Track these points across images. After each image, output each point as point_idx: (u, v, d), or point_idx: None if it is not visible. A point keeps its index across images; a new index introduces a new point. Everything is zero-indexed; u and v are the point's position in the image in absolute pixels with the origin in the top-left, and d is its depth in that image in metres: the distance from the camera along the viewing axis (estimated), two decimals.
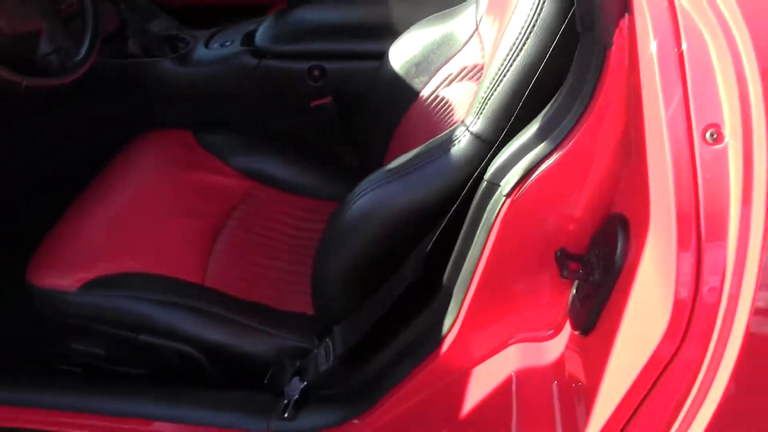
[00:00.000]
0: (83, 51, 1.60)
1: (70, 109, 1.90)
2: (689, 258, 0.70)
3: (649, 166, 0.74)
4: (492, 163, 0.98)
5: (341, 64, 1.79)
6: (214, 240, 1.61)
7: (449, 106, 1.36)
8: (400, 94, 1.48)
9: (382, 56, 1.55)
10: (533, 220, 0.95)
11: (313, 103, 1.80)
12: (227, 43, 1.89)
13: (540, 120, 0.93)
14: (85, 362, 1.47)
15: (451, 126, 1.25)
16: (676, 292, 0.71)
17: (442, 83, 1.39)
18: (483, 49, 1.31)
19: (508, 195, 0.93)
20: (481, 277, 1.00)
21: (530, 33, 0.99)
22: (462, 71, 1.35)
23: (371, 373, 1.24)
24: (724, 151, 0.68)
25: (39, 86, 1.49)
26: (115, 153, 1.77)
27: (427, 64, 1.44)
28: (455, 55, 1.38)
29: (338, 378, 1.27)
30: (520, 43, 1.00)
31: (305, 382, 1.27)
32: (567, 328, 1.00)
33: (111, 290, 1.42)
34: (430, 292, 1.13)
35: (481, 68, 1.29)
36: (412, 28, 1.54)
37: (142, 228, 1.57)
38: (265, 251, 1.61)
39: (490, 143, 1.05)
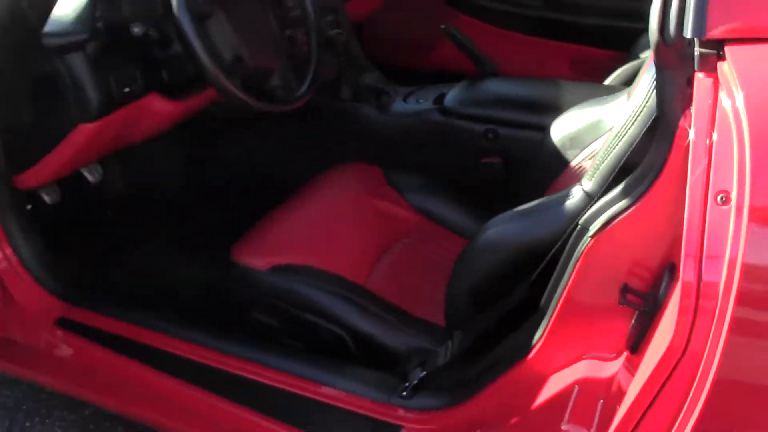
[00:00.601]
0: (303, 88, 2.01)
1: (284, 131, 2.33)
2: (692, 286, 0.97)
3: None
4: (586, 210, 1.27)
5: (512, 131, 2.11)
6: (381, 255, 1.95)
7: (585, 172, 1.66)
8: (555, 162, 1.77)
9: (545, 128, 1.86)
10: (609, 257, 1.23)
11: (484, 160, 2.13)
12: (421, 101, 2.26)
13: (624, 183, 1.21)
14: (259, 330, 1.84)
15: None
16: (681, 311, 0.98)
17: (586, 157, 1.68)
18: None
19: (592, 236, 1.21)
20: (563, 302, 1.29)
21: (636, 120, 1.27)
22: None
23: (474, 372, 1.53)
24: (729, 210, 0.95)
25: (265, 110, 1.90)
26: (311, 173, 2.16)
27: (579, 140, 1.72)
28: (601, 136, 1.65)
29: (450, 372, 1.57)
30: (628, 126, 1.28)
31: (424, 372, 1.57)
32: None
33: (292, 276, 1.80)
34: (530, 312, 1.42)
35: None
36: (572, 109, 1.84)
37: (326, 233, 1.95)
38: (418, 272, 1.94)
39: (592, 197, 1.34)
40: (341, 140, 2.36)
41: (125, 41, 1.81)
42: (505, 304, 1.45)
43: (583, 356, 1.32)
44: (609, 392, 1.25)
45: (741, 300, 0.92)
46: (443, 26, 2.28)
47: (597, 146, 1.64)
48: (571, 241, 1.27)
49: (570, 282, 1.26)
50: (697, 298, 0.97)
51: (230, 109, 1.88)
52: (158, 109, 1.91)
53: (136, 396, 1.86)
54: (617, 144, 1.29)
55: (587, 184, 1.36)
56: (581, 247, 1.23)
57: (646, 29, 1.10)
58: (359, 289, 1.81)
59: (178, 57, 1.85)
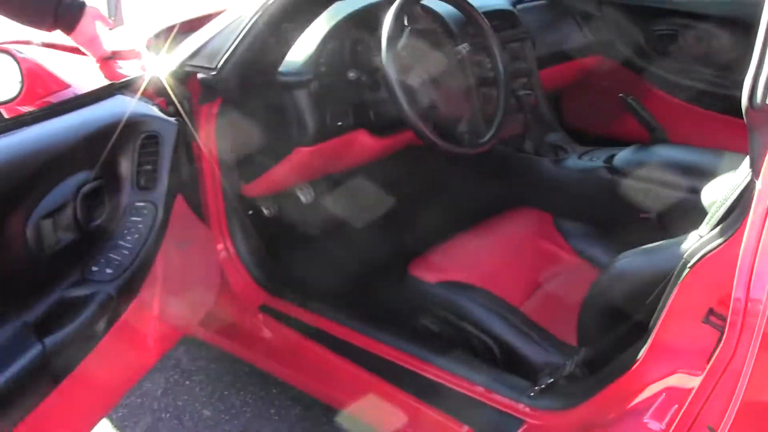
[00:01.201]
0: (487, 137, 2.33)
1: (469, 171, 2.67)
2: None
3: None
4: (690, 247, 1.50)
5: (671, 192, 2.31)
6: (538, 288, 2.24)
7: None
8: None
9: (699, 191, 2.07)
10: (700, 286, 1.45)
11: (642, 215, 2.36)
12: (594, 159, 2.51)
13: (722, 224, 1.43)
14: (424, 333, 2.16)
15: None
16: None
17: None
18: None
19: (690, 267, 1.45)
20: (662, 322, 1.52)
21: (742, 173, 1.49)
22: None
23: (589, 381, 1.78)
24: None
25: (452, 151, 2.24)
26: (489, 212, 2.48)
27: None
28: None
29: (571, 380, 1.82)
30: (739, 179, 1.50)
31: (551, 380, 1.83)
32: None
33: (456, 290, 2.11)
34: (641, 332, 1.65)
35: None
36: (724, 173, 2.04)
37: (492, 260, 2.26)
38: (567, 304, 2.17)
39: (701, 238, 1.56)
40: (518, 186, 2.67)
41: (342, 83, 2.21)
42: (626, 325, 1.70)
43: (677, 371, 1.54)
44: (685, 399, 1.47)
45: None
46: (621, 95, 2.53)
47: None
48: (675, 272, 1.51)
49: (668, 306, 1.50)
50: (744, 315, 1.20)
51: (425, 147, 2.22)
52: (364, 143, 2.30)
53: (320, 376, 2.22)
54: (730, 195, 1.52)
55: (703, 228, 1.59)
56: (680, 277, 1.46)
57: None
58: (513, 309, 2.09)
59: (384, 100, 2.23)
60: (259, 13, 1.93)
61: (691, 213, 2.07)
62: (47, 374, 1.63)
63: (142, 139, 1.82)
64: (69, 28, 2.30)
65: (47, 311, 1.64)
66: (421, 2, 2.27)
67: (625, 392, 1.62)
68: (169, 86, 2.00)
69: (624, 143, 2.60)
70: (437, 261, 2.23)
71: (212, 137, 2.12)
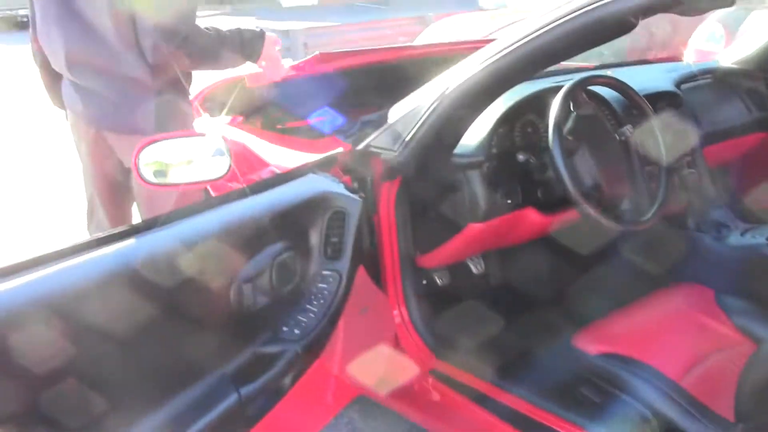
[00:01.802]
0: (650, 215, 2.43)
1: (626, 247, 2.77)
2: None
3: None
4: None
5: None
6: (697, 362, 2.30)
7: None
8: None
9: None
10: None
11: None
12: (757, 236, 2.57)
13: None
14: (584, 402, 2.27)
15: None
16: None
17: None
18: None
19: None
20: None
21: None
22: None
23: None
24: None
25: (614, 228, 2.36)
26: (647, 288, 2.57)
27: None
28: None
29: None
30: None
31: None
32: None
33: (617, 363, 2.21)
34: None
35: None
36: None
37: (652, 334, 2.35)
38: (727, 379, 2.23)
39: None
40: (680, 262, 2.74)
41: (512, 165, 2.39)
42: None
43: None
44: None
45: None
46: None
47: None
48: None
49: None
50: None
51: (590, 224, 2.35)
52: (532, 220, 2.45)
53: None
54: None
55: None
56: None
57: None
58: (672, 384, 2.17)
59: (551, 180, 2.38)
60: (438, 101, 2.12)
61: None
62: (241, 421, 1.85)
63: (330, 214, 2.04)
64: (254, 58, 2.72)
65: (243, 364, 1.87)
66: (587, 88, 2.43)
67: None
68: (355, 165, 2.23)
69: None
70: (600, 333, 2.34)
71: (392, 212, 2.31)
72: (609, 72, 2.71)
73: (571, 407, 2.20)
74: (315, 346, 2.00)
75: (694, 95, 3.10)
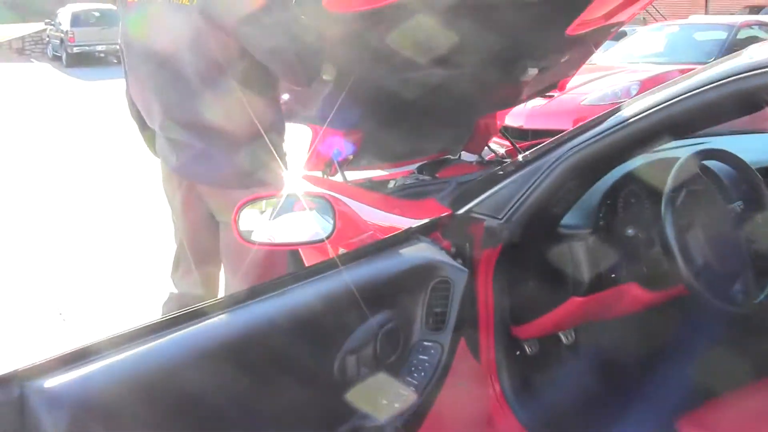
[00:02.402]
0: (762, 296, 2.31)
1: (735, 328, 2.64)
2: None
3: None
4: None
5: None
6: None
7: None
8: None
9: None
10: None
11: None
12: None
13: None
14: None
15: None
16: None
17: None
18: None
19: None
20: None
21: None
22: None
23: None
24: None
25: (724, 309, 2.25)
26: (757, 372, 2.43)
27: None
28: None
29: None
30: None
31: None
32: None
33: None
34: None
35: None
36: None
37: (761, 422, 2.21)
38: None
39: None
40: None
41: (618, 238, 2.29)
42: None
43: None
44: None
45: None
46: None
47: None
48: None
49: None
50: None
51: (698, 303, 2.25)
52: (635, 296, 2.35)
53: None
54: None
55: None
56: None
57: None
58: None
59: (658, 256, 2.28)
60: (550, 169, 2.05)
61: None
62: None
63: (434, 282, 1.97)
64: None
65: None
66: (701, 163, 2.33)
67: None
68: (455, 231, 2.17)
69: None
70: (707, 418, 2.21)
71: (490, 281, 2.24)
72: (719, 141, 2.60)
73: None
74: (415, 420, 1.93)
75: None
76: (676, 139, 2.25)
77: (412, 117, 3.65)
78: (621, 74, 9.60)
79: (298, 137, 3.48)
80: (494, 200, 2.16)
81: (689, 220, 2.27)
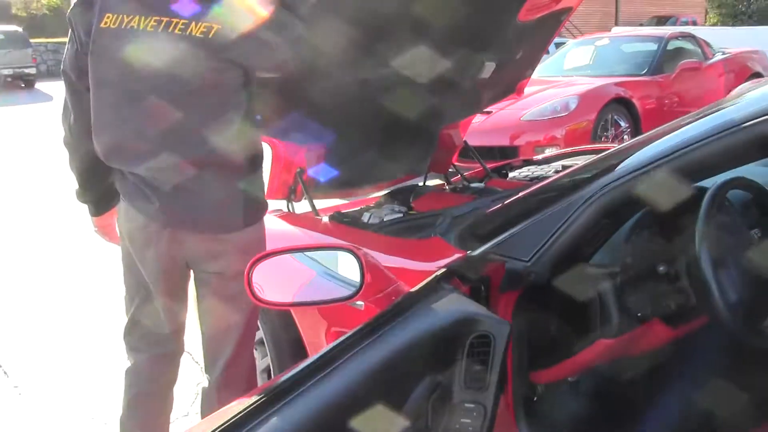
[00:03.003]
0: None
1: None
2: None
3: None
4: None
5: None
6: None
7: None
8: None
9: None
10: None
11: None
12: None
13: None
14: None
15: None
16: None
17: None
18: None
19: None
20: None
21: None
22: None
23: None
24: None
25: (759, 347, 2.14)
26: None
27: None
28: None
29: None
30: None
31: None
32: None
33: None
34: None
35: None
36: None
37: None
38: None
39: None
40: None
41: (647, 274, 2.17)
42: None
43: None
44: None
45: None
46: None
47: None
48: None
49: None
50: None
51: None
52: (657, 333, 2.22)
53: None
54: None
55: None
56: None
57: None
58: None
59: (684, 290, 2.16)
60: (582, 209, 1.93)
61: None
62: None
63: (472, 338, 1.81)
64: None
65: None
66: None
67: None
68: (471, 274, 2.02)
69: None
70: None
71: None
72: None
73: None
74: None
75: None
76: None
77: (372, 130, 3.51)
78: (557, 88, 9.62)
79: None
80: (520, 241, 2.03)
81: (719, 253, 2.17)
